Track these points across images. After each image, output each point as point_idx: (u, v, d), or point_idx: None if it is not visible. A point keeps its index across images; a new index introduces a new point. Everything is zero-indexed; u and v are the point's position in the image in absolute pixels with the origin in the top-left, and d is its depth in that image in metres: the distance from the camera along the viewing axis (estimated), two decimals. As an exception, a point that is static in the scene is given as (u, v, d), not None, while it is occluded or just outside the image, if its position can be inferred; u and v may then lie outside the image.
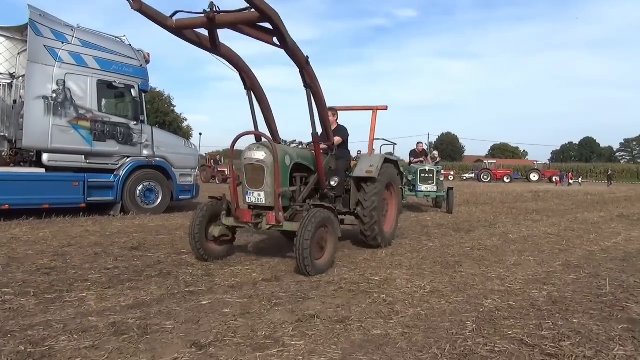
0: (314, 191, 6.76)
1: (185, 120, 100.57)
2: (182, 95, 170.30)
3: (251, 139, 6.32)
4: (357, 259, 6.59)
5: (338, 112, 7.56)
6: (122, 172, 10.94)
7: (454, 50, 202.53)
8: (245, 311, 4.00)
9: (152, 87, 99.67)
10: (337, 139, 7.15)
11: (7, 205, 9.42)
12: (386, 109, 8.14)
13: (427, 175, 13.88)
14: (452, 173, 60.56)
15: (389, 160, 7.79)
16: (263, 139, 6.09)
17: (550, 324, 3.92)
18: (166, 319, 3.80)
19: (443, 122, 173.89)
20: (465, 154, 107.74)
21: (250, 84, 6.38)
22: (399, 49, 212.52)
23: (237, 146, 6.27)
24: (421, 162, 14.85)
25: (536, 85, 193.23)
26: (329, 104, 6.61)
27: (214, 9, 4.79)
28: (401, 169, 8.41)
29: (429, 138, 77.14)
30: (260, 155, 5.80)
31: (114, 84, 10.83)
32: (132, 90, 11.04)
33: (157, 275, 5.33)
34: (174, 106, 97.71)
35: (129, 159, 11.14)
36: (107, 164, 10.85)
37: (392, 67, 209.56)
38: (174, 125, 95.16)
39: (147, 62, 11.83)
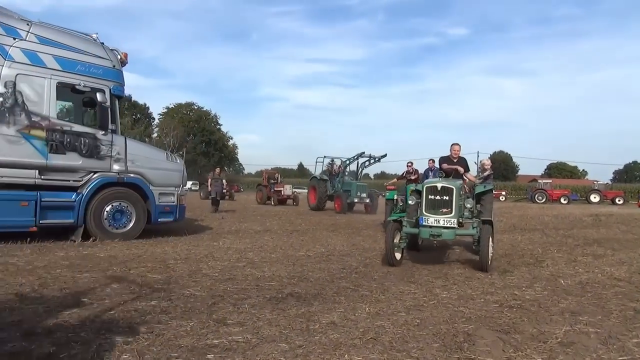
0: None
1: (231, 138, 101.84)
2: (235, 115, 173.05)
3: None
4: (319, 319, 4.43)
5: None
6: (85, 190, 9.29)
7: (507, 67, 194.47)
8: None
9: (199, 107, 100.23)
10: None
11: (-64, 229, 7.93)
12: None
13: (437, 197, 7.62)
14: (503, 193, 56.57)
15: None
16: None
17: None
18: None
19: (495, 141, 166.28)
20: (519, 173, 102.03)
21: None
22: (450, 67, 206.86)
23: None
24: (453, 174, 8.79)
25: (595, 102, 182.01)
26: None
27: None
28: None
29: (478, 156, 72.90)
30: None
31: (77, 87, 9.26)
32: (101, 95, 9.41)
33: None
34: (220, 125, 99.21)
35: (95, 175, 9.49)
36: (68, 180, 9.23)
37: (443, 86, 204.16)
38: (219, 143, 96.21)
39: (124, 63, 10.25)
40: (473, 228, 7.96)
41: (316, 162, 25.48)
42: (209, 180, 20.61)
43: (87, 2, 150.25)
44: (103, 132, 9.54)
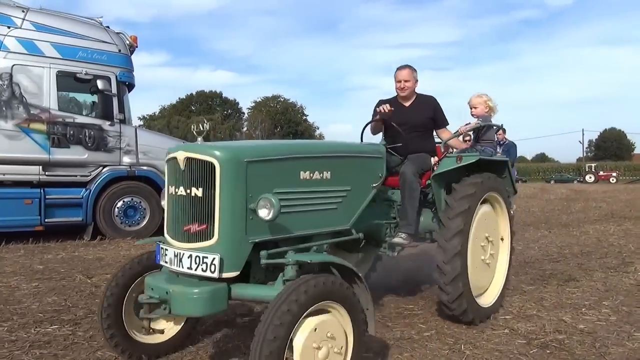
0: None
1: (318, 129, 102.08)
2: (327, 106, 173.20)
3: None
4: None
5: None
6: (93, 186, 8.66)
7: (617, 35, 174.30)
8: None
9: (285, 99, 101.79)
10: None
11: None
12: None
13: (179, 190, 2.83)
14: (614, 175, 50.27)
15: None
16: None
17: None
18: None
19: (606, 117, 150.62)
20: (636, 151, 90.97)
21: None
22: (551, 40, 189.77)
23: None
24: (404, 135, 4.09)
25: None
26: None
27: None
28: None
29: (584, 135, 65.89)
30: None
31: (79, 75, 8.62)
32: (103, 82, 8.69)
33: None
34: (306, 115, 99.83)
35: (104, 169, 8.84)
36: (75, 175, 8.64)
37: (543, 61, 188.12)
38: (306, 134, 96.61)
39: (132, 47, 9.50)
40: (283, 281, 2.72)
41: None
42: None
43: (190, 8, 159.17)
44: (109, 122, 8.84)
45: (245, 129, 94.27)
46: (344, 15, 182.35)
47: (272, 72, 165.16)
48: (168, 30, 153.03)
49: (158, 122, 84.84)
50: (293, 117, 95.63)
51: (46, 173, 8.38)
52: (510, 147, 9.02)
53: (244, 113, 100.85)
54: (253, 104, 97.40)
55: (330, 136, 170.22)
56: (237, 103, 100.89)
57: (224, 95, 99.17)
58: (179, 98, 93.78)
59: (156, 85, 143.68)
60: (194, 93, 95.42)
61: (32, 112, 8.26)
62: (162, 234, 3.00)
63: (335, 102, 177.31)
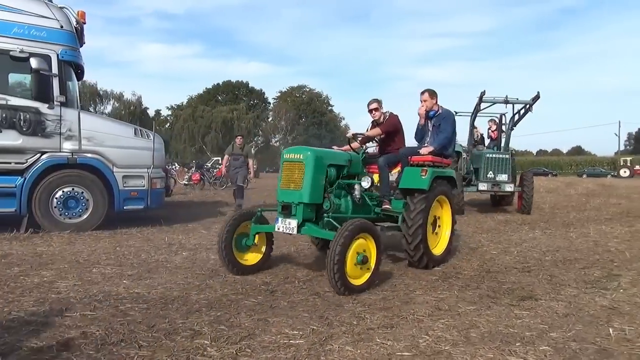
0: None
1: (343, 119, 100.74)
2: (359, 97, 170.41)
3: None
4: None
5: None
6: (28, 174, 7.95)
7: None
8: None
9: (311, 89, 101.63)
10: None
11: None
12: None
13: None
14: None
15: None
16: None
17: None
18: None
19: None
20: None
21: None
22: (596, 29, 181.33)
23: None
24: None
25: None
26: None
27: None
28: None
29: (620, 127, 62.43)
30: None
31: (13, 53, 7.89)
32: (42, 61, 7.93)
33: None
34: (332, 106, 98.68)
35: (43, 156, 8.11)
36: (9, 163, 7.94)
37: (580, 51, 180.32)
38: (330, 124, 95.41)
39: (80, 23, 8.71)
40: None
41: None
42: (226, 158, 12.32)
43: (223, 1, 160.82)
44: (48, 105, 8.10)
45: (270, 119, 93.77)
46: (376, 4, 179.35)
47: (304, 64, 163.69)
48: (202, 21, 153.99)
49: (184, 112, 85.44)
50: (318, 107, 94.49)
51: (-26, 160, 7.72)
52: (443, 120, 5.98)
53: (269, 103, 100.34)
54: (278, 94, 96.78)
55: (357, 127, 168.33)
56: (263, 93, 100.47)
57: (250, 85, 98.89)
58: (206, 88, 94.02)
59: (192, 77, 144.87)
60: (220, 83, 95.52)
61: (-42, 93, 7.60)
62: None
63: (368, 94, 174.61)
